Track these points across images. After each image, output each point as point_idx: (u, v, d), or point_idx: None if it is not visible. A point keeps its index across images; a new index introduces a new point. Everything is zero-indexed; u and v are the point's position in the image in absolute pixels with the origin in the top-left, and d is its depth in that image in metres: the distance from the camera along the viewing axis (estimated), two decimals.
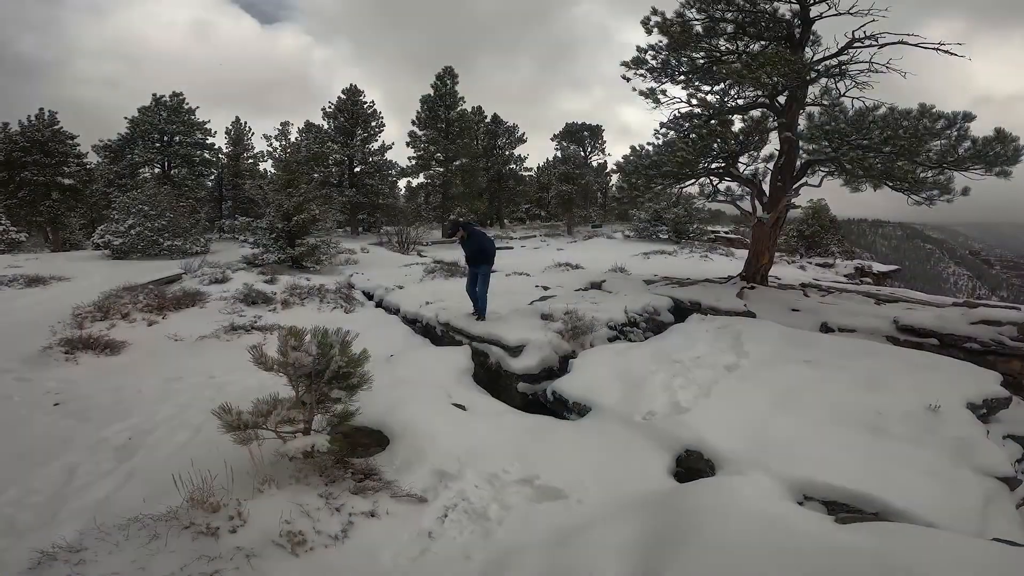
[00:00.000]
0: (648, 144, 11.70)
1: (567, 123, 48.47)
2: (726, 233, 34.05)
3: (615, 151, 41.74)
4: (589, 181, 37.70)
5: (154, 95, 27.38)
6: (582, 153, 44.30)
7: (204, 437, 3.98)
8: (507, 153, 46.16)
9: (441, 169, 30.38)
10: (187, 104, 28.36)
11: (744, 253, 24.19)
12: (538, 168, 50.50)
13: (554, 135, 48.88)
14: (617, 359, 5.45)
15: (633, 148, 12.32)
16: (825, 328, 7.30)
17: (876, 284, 19.44)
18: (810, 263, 21.76)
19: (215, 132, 29.63)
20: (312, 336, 3.46)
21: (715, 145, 9.97)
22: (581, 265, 14.70)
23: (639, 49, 10.05)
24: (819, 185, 10.11)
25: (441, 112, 32.14)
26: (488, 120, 43.03)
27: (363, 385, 3.60)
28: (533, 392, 5.52)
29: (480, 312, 7.16)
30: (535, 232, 34.01)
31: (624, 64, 10.36)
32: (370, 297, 11.08)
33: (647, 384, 4.67)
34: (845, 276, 19.16)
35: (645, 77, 10.42)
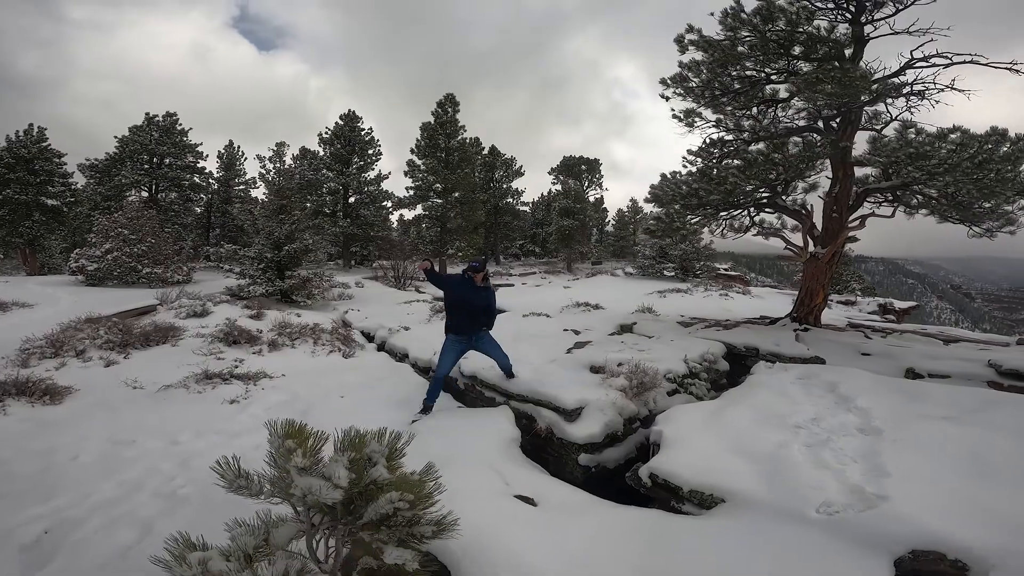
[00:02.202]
0: (678, 172, 10.99)
1: (564, 157, 48.51)
2: (725, 270, 33.53)
3: (609, 187, 41.65)
4: (590, 216, 37.21)
5: (147, 114, 26.66)
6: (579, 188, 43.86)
7: (155, 542, 2.80)
8: (504, 186, 45.91)
9: (440, 200, 29.66)
10: (180, 125, 27.64)
11: (765, 291, 23.66)
12: (533, 203, 50.30)
13: (551, 168, 48.89)
14: (714, 425, 4.39)
15: (665, 176, 11.52)
16: (913, 374, 6.47)
17: (898, 321, 18.71)
18: (831, 301, 21.06)
19: (207, 156, 28.85)
20: (341, 448, 2.06)
21: (773, 172, 9.07)
22: (601, 305, 13.71)
23: (681, 66, 9.25)
24: (892, 215, 9.22)
25: (441, 140, 31.68)
26: (486, 152, 42.78)
27: (442, 533, 2.15)
28: (596, 464, 4.55)
29: (507, 370, 5.66)
30: (534, 269, 33.19)
31: (662, 82, 9.60)
32: (370, 339, 9.98)
33: (784, 460, 3.54)
34: (870, 313, 18.38)
35: (684, 96, 9.61)
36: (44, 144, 25.46)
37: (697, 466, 3.62)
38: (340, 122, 31.54)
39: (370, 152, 32.07)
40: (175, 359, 7.23)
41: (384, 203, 31.15)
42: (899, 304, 23.26)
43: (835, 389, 4.99)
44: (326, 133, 31.11)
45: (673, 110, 10.17)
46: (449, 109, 32.72)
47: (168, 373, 6.45)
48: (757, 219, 10.62)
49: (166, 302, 11.64)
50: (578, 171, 48.68)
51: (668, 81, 9.74)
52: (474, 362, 6.92)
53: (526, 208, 47.53)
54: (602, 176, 49.95)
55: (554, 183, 48.54)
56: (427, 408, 5.30)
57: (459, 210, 28.56)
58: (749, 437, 3.96)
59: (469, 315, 5.26)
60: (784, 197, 10.29)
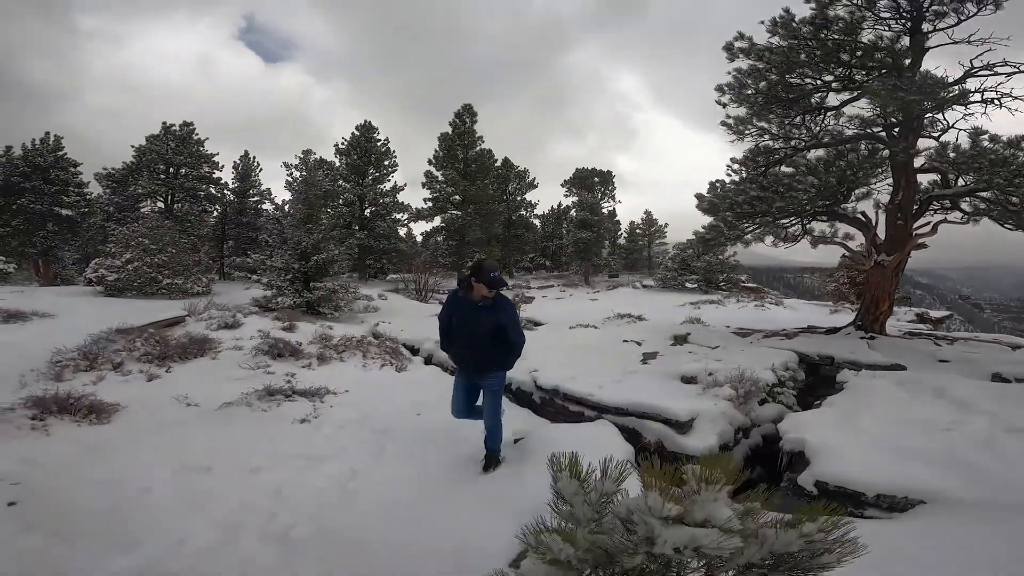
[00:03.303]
0: (719, 182, 10.65)
1: (577, 169, 48.04)
2: (744, 282, 32.93)
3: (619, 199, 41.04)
4: (606, 228, 36.70)
5: (164, 123, 26.36)
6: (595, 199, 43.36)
7: None
8: (519, 198, 45.53)
9: (458, 212, 29.20)
10: (196, 135, 27.33)
11: (794, 303, 23.04)
12: (543, 216, 49.91)
13: (564, 181, 48.47)
14: (853, 430, 4.30)
15: (714, 185, 11.02)
16: (1000, 379, 6.30)
17: (935, 330, 18.14)
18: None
19: (222, 166, 28.51)
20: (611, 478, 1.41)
21: (850, 175, 8.78)
22: (643, 316, 13.12)
23: (740, 72, 9.08)
24: (965, 222, 8.87)
25: (459, 151, 31.36)
26: (499, 164, 42.45)
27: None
28: None
29: (492, 457, 4.04)
30: (550, 282, 32.58)
31: (719, 88, 9.39)
32: (414, 351, 9.38)
33: (966, 460, 3.47)
34: (909, 322, 17.78)
35: (740, 103, 9.34)
36: (60, 153, 25.16)
37: (876, 471, 3.52)
38: (356, 133, 31.24)
39: (386, 163, 31.73)
40: (221, 373, 6.62)
41: (400, 215, 30.71)
42: (934, 314, 22.77)
43: (944, 394, 5.01)
44: (342, 144, 30.80)
45: (729, 117, 9.99)
46: (467, 119, 32.48)
47: (218, 388, 5.83)
48: (808, 228, 10.34)
49: (194, 313, 11.05)
50: (591, 183, 48.23)
51: (724, 88, 9.64)
52: (553, 373, 6.36)
53: (536, 221, 47.24)
54: (615, 188, 49.43)
55: (566, 195, 48.08)
56: (492, 459, 4.02)
57: (478, 222, 28.06)
58: (908, 440, 3.95)
59: (470, 345, 3.84)
60: (844, 205, 10.01)
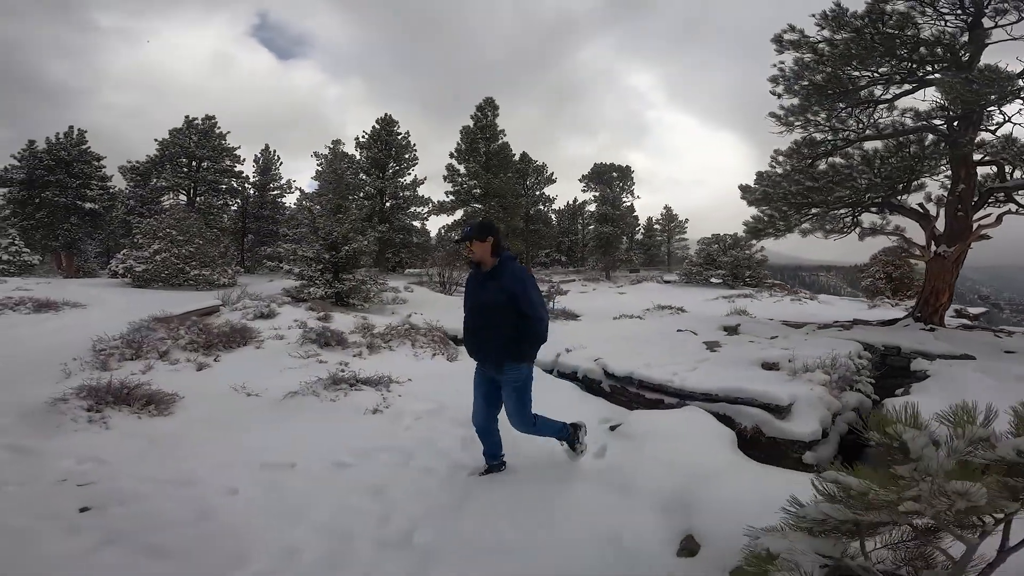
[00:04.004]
0: (770, 171, 10.47)
1: (595, 164, 47.31)
2: (767, 278, 32.22)
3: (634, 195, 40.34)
4: (628, 223, 36.08)
5: (187, 117, 26.20)
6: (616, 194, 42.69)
7: None
8: (537, 193, 45.00)
9: (479, 205, 28.79)
10: (218, 128, 27.17)
11: (826, 298, 22.44)
12: (558, 211, 49.41)
13: (582, 176, 47.76)
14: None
15: (762, 175, 10.58)
16: None
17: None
18: (898, 305, 19.89)
19: (243, 159, 28.35)
20: None
21: (916, 166, 8.52)
22: (684, 308, 12.67)
23: (798, 63, 9.13)
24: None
25: (481, 145, 30.94)
26: (517, 159, 41.88)
27: None
28: (818, 463, 4.09)
29: (493, 459, 3.43)
30: (571, 276, 32.09)
31: (772, 79, 9.39)
32: (457, 342, 9.00)
33: None
34: (951, 317, 17.22)
35: (792, 96, 9.24)
36: (84, 147, 25.11)
37: None
38: (376, 126, 30.92)
39: (406, 157, 31.39)
40: (271, 362, 6.26)
41: (420, 208, 30.36)
42: (972, 310, 22.22)
43: None
44: (363, 137, 30.50)
45: (782, 107, 9.87)
46: (489, 113, 32.06)
47: (273, 378, 5.46)
48: (858, 219, 10.16)
49: (228, 303, 10.74)
50: (609, 178, 47.47)
51: (779, 78, 9.50)
52: (623, 361, 5.97)
53: (552, 216, 46.73)
54: (633, 183, 48.58)
55: (584, 190, 47.41)
56: (494, 465, 3.42)
57: (500, 215, 27.62)
58: None
59: (475, 328, 3.21)
60: (900, 197, 9.76)
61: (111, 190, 25.82)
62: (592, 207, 42.53)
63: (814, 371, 5.20)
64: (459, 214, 30.20)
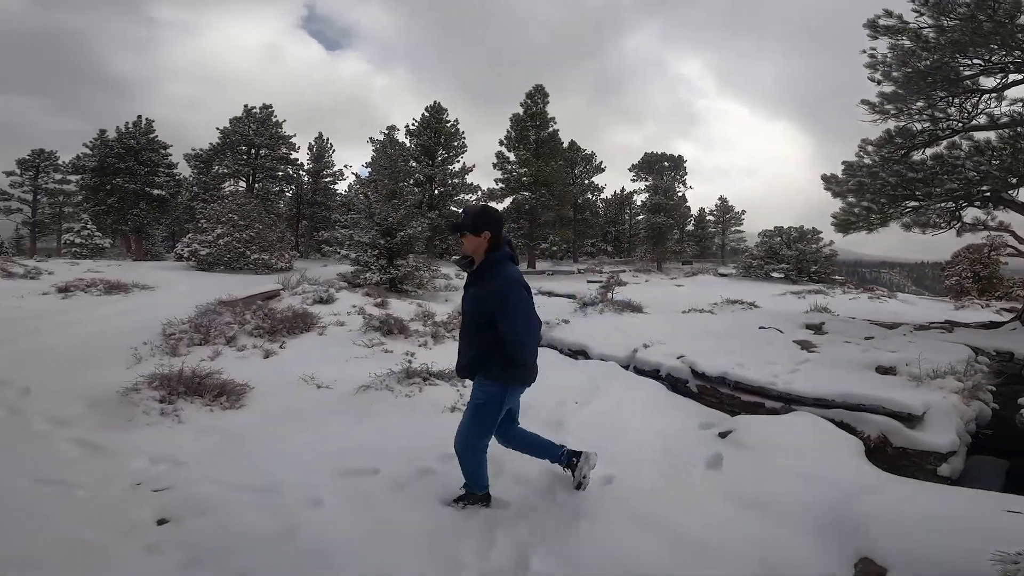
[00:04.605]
0: (860, 160, 9.64)
1: (645, 153, 45.65)
2: (832, 274, 30.24)
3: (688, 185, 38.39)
4: (684, 212, 34.68)
5: (245, 106, 26.87)
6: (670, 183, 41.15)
7: None
8: (585, 182, 44.02)
9: (528, 193, 28.24)
10: (275, 117, 27.70)
11: (906, 296, 20.74)
12: (605, 201, 48.27)
13: (632, 165, 46.20)
14: None
15: (851, 165, 9.68)
16: None
17: None
18: (988, 307, 18.10)
19: (298, 147, 28.84)
20: None
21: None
22: (756, 303, 11.83)
23: (896, 50, 8.39)
24: None
25: (531, 133, 30.32)
26: (565, 147, 40.90)
27: None
28: (952, 476, 3.76)
29: (471, 496, 2.76)
30: (622, 267, 31.13)
31: (870, 66, 8.62)
32: None
33: None
34: None
35: (891, 83, 8.48)
36: (151, 136, 26.13)
37: None
38: (426, 114, 30.84)
39: (455, 144, 31.21)
40: (335, 350, 6.01)
41: (469, 195, 30.14)
42: None
43: None
44: (413, 124, 30.48)
45: (881, 96, 9.06)
46: (539, 100, 31.38)
47: (341, 368, 5.18)
48: (959, 214, 9.20)
49: (288, 287, 10.72)
50: (661, 168, 45.77)
51: (876, 65, 8.73)
52: (712, 360, 5.41)
53: (600, 205, 45.64)
54: (686, 173, 46.63)
55: (634, 179, 45.85)
56: (473, 496, 2.73)
57: (552, 203, 27.00)
58: None
59: (460, 333, 2.72)
60: (1011, 192, 8.69)
61: (176, 177, 26.82)
62: (642, 197, 41.14)
63: (944, 377, 4.71)
64: (506, 202, 29.79)
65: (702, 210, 45.79)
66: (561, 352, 7.30)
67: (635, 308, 9.84)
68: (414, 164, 29.80)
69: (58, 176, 26.87)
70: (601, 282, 22.12)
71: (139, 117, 26.27)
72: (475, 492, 2.70)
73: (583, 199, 41.06)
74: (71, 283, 9.95)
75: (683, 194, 44.93)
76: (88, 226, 20.53)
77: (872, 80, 8.82)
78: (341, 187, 32.04)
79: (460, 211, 2.47)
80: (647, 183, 42.22)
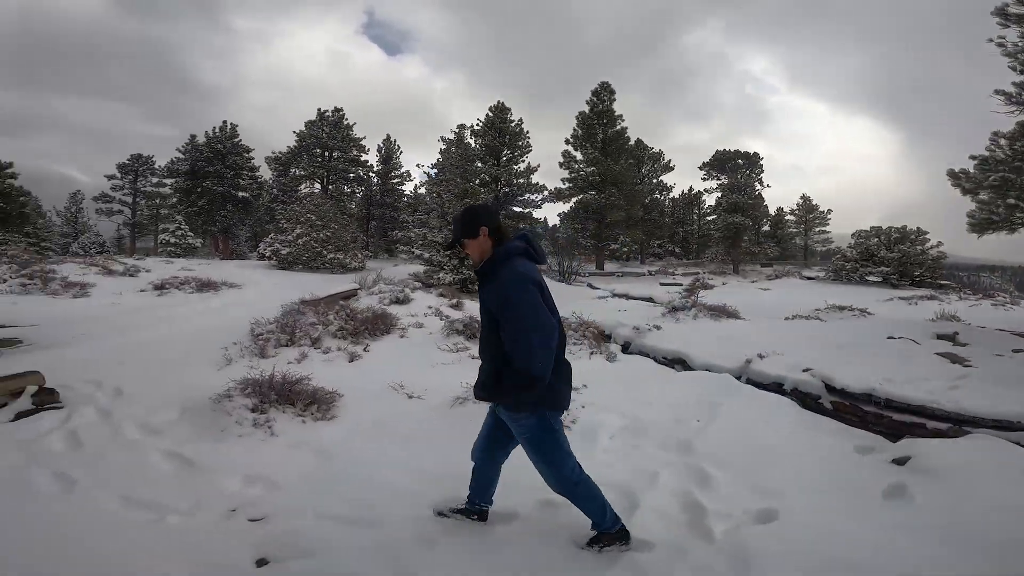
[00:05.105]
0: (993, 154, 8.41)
1: (717, 150, 43.34)
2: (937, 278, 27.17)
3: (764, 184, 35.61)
4: (763, 211, 32.54)
5: (319, 109, 27.82)
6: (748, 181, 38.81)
7: None
8: (653, 181, 42.49)
9: (596, 193, 27.40)
10: (346, 120, 28.49)
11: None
12: (671, 200, 46.41)
13: (702, 163, 44.11)
14: None
15: (985, 160, 8.44)
16: None
17: None
18: None
19: (368, 149, 29.52)
20: None
21: None
22: (868, 310, 10.60)
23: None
24: None
25: (598, 131, 29.48)
26: (632, 145, 39.55)
27: None
28: None
29: (605, 537, 2.23)
30: (694, 269, 29.58)
31: (1009, 55, 8.01)
32: (607, 338, 7.96)
33: None
34: None
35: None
36: (236, 140, 27.63)
37: None
38: (490, 114, 30.68)
39: (519, 144, 30.85)
40: (418, 354, 5.68)
41: (534, 195, 29.71)
42: None
43: None
44: (477, 125, 30.45)
45: (1017, 86, 7.81)
46: (605, 98, 30.49)
47: (428, 375, 4.82)
48: None
49: (364, 287, 10.70)
50: (734, 165, 43.35)
51: (1017, 54, 8.08)
52: (851, 371, 4.61)
53: (669, 203, 43.92)
54: (762, 171, 43.85)
55: (704, 178, 43.76)
56: (608, 535, 2.23)
57: (621, 203, 26.03)
58: None
59: (480, 353, 2.26)
60: None
61: (259, 180, 28.18)
62: (712, 196, 39.11)
63: None
64: (573, 202, 29.08)
65: (780, 209, 42.89)
66: (656, 361, 6.66)
67: (731, 314, 8.96)
68: (479, 164, 29.75)
69: (154, 179, 29.10)
70: (675, 284, 20.99)
71: (224, 122, 27.90)
72: (609, 530, 2.22)
73: (651, 199, 39.65)
74: (166, 280, 10.38)
75: (759, 193, 42.45)
76: (182, 226, 21.93)
77: (1013, 68, 8.07)
78: (408, 188, 32.65)
79: (452, 226, 2.06)
80: (719, 181, 40.17)
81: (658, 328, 7.66)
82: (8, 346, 5.56)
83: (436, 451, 3.20)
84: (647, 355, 6.95)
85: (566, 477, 2.17)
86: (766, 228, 43.21)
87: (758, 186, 42.36)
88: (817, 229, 40.31)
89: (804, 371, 5.15)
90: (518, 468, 3.02)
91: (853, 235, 25.25)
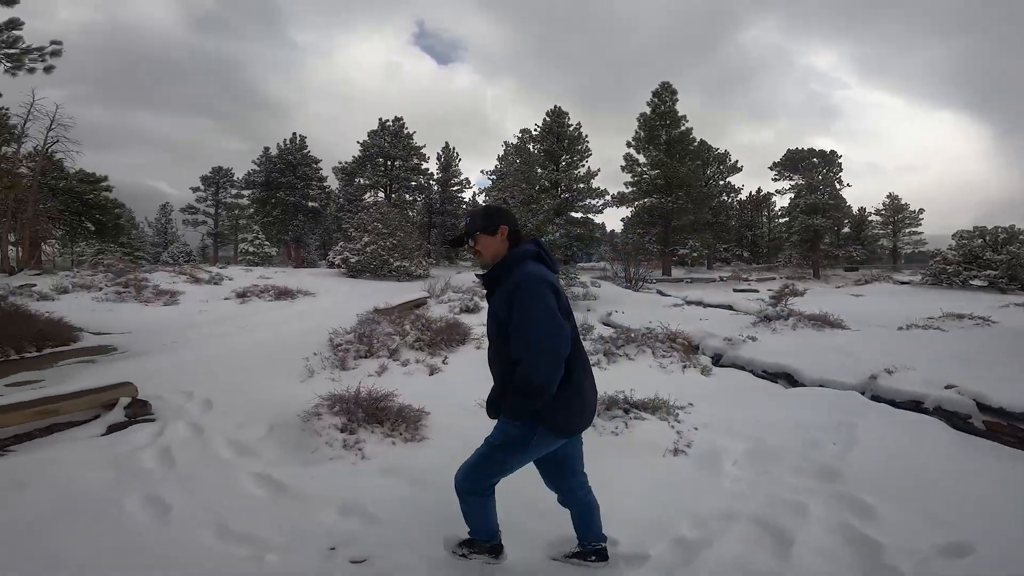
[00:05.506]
0: None
1: (788, 149, 40.86)
2: None
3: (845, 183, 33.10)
4: (846, 212, 30.23)
5: (380, 119, 28.54)
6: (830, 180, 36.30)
7: None
8: (720, 183, 40.64)
9: (661, 196, 26.41)
10: (406, 129, 29.06)
11: None
12: (739, 203, 44.19)
13: (773, 163, 41.73)
14: None
15: None
16: None
17: None
18: None
19: (428, 157, 29.96)
20: None
21: None
22: (990, 319, 9.39)
23: None
24: None
25: (661, 133, 28.47)
26: (695, 146, 37.95)
27: None
28: None
29: (474, 543, 2.12)
30: (769, 274, 27.86)
31: None
32: (693, 348, 7.36)
33: None
34: None
35: None
36: (305, 151, 28.88)
37: None
38: (547, 118, 30.30)
39: (578, 148, 30.29)
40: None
41: (596, 200, 29.04)
42: None
43: None
44: (535, 130, 30.19)
45: None
46: (667, 98, 29.47)
47: None
48: None
49: (434, 295, 10.61)
50: (809, 165, 40.64)
51: None
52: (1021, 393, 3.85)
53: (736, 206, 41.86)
54: (841, 170, 40.75)
55: (775, 179, 41.38)
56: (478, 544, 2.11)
57: (689, 206, 24.93)
58: None
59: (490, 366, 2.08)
60: None
61: (326, 190, 29.27)
62: (786, 197, 36.87)
63: None
64: (634, 206, 28.18)
65: (862, 210, 39.78)
66: (755, 375, 6.02)
67: (833, 323, 8.09)
68: (539, 170, 29.48)
69: (233, 191, 30.98)
70: (751, 291, 19.73)
71: (294, 134, 29.28)
72: (481, 540, 2.10)
73: (718, 202, 37.93)
74: (248, 288, 10.73)
75: (839, 192, 39.60)
76: (259, 236, 23.07)
77: None
78: (466, 195, 32.90)
79: (465, 217, 1.82)
80: (792, 182, 37.87)
81: (753, 339, 6.98)
82: (103, 354, 5.76)
83: (539, 479, 2.87)
84: (742, 368, 6.34)
85: (476, 478, 1.99)
86: (846, 230, 40.28)
87: (837, 185, 39.61)
88: (907, 230, 37.04)
89: (947, 388, 4.44)
90: (638, 500, 2.62)
91: (954, 236, 22.87)
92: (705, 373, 5.78)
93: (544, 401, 1.76)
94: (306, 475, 2.83)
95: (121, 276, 11.04)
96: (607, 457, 3.14)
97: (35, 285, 10.20)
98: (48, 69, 7.92)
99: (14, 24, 7.58)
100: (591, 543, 2.16)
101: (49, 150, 17.34)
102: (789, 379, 5.71)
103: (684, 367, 5.82)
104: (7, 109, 15.14)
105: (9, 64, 7.58)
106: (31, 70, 7.81)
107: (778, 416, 4.00)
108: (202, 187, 31.28)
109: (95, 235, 20.67)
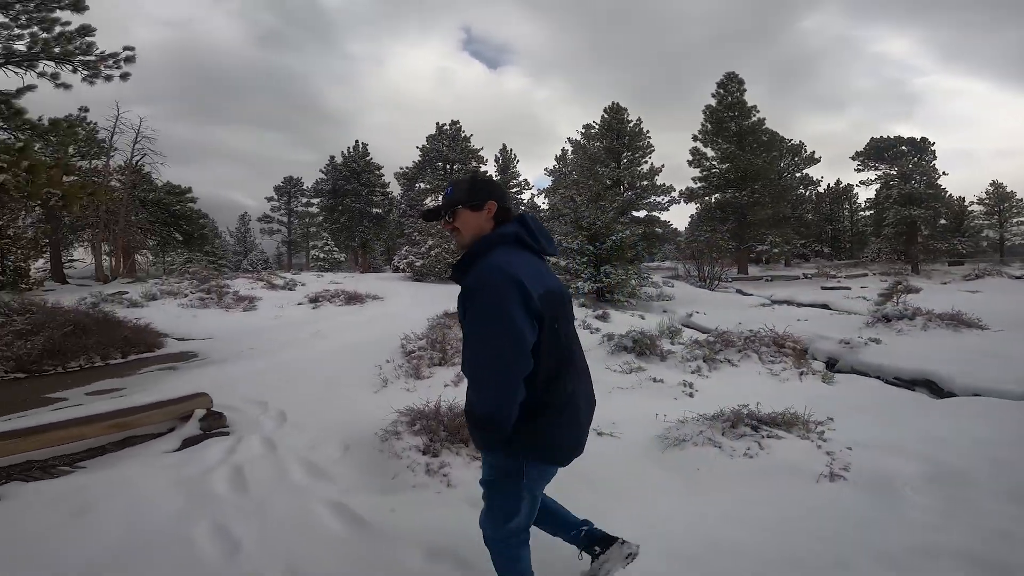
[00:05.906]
0: None
1: (872, 138, 37.58)
2: None
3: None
4: (946, 202, 27.28)
5: (437, 123, 28.77)
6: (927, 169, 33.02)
7: None
8: (796, 175, 37.95)
9: (734, 190, 24.85)
10: (463, 132, 29.12)
11: None
12: (817, 195, 41.15)
13: (856, 153, 38.55)
14: None
15: None
16: None
17: None
18: None
19: (485, 160, 29.88)
20: None
21: None
22: None
23: None
24: None
25: (731, 124, 26.86)
26: (767, 136, 35.54)
27: None
28: None
29: None
30: (860, 271, 25.52)
31: None
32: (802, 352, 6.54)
33: None
34: None
35: None
36: (368, 158, 29.62)
37: None
38: (606, 115, 29.46)
39: (640, 144, 29.20)
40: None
41: (660, 197, 27.85)
42: None
43: None
44: (595, 127, 29.40)
45: None
46: (733, 89, 27.86)
47: (611, 403, 3.91)
48: None
49: None
50: (897, 153, 37.11)
51: None
52: None
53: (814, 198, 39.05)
54: (935, 158, 36.84)
55: (858, 169, 38.18)
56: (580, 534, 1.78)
57: (767, 199, 23.28)
58: None
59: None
60: None
61: (389, 196, 29.91)
62: (870, 189, 33.87)
63: None
64: (703, 201, 26.71)
65: (961, 199, 35.77)
66: (884, 382, 5.17)
67: (970, 323, 6.99)
68: (601, 169, 28.70)
69: (304, 200, 32.37)
70: (841, 288, 18.03)
71: (356, 141, 30.07)
72: None
73: (795, 195, 35.43)
74: (319, 293, 10.85)
75: (936, 181, 35.85)
76: (328, 242, 23.81)
77: None
78: (524, 196, 32.51)
79: (446, 187, 1.35)
80: (879, 172, 34.77)
81: (876, 341, 6.10)
82: (184, 360, 5.77)
83: (662, 512, 2.35)
84: (865, 374, 5.51)
85: (497, 525, 1.58)
86: (943, 221, 36.38)
87: (933, 174, 35.84)
88: (1015, 220, 32.97)
89: None
90: (801, 536, 2.03)
91: None
92: (827, 381, 5.01)
93: (500, 434, 1.37)
94: (386, 506, 2.44)
95: (204, 283, 11.49)
96: (746, 484, 2.56)
97: (127, 293, 10.78)
98: (124, 76, 8.11)
99: (86, 30, 7.80)
100: (579, 537, 1.81)
101: (137, 162, 18.59)
102: (931, 387, 4.86)
103: (801, 374, 5.07)
104: (95, 123, 16.30)
105: (86, 72, 7.81)
106: (108, 78, 8.00)
107: (944, 431, 3.25)
108: (275, 197, 32.93)
109: (183, 244, 22.10)
